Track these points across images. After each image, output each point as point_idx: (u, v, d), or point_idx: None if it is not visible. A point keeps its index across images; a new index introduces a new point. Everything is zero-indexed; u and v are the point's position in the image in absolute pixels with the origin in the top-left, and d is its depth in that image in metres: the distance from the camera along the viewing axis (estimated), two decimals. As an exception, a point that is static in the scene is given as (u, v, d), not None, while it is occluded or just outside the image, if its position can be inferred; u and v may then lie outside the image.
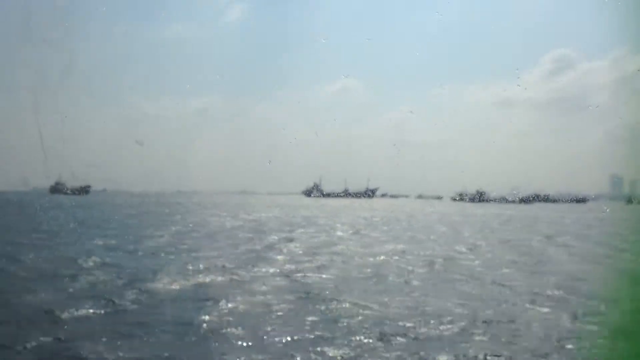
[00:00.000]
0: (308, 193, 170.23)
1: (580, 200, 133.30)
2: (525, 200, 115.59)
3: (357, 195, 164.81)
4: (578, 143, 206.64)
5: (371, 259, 20.89)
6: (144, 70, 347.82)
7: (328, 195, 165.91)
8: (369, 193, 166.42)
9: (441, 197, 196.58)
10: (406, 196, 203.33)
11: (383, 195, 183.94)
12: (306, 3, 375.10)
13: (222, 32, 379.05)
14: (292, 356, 8.99)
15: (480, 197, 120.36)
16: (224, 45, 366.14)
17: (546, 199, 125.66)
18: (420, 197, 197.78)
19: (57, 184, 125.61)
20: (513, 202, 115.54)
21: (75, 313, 11.06)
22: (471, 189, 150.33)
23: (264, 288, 14.41)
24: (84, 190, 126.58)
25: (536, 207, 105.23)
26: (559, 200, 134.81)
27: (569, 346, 9.73)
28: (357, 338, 9.93)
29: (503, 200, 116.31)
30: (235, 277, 15.82)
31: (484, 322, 11.16)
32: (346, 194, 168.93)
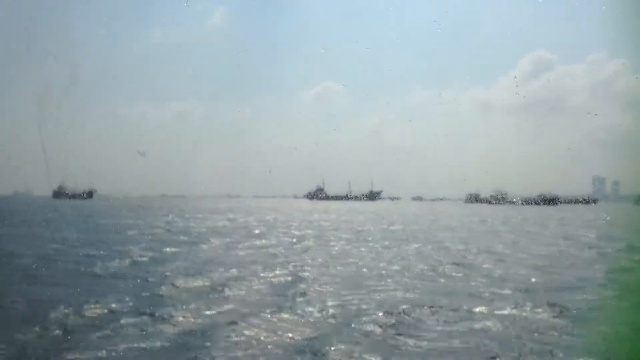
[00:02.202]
0: (311, 196, 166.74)
1: (592, 201, 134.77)
2: (545, 202, 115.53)
3: (361, 197, 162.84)
4: (557, 144, 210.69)
5: None
6: (125, 75, 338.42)
7: (331, 198, 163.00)
8: (374, 195, 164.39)
9: (441, 199, 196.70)
10: (397, 198, 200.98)
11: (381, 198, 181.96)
12: (288, 9, 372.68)
13: (203, 37, 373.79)
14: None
15: (501, 199, 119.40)
16: (205, 50, 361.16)
17: (557, 201, 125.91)
18: (418, 199, 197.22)
19: (60, 188, 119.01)
20: (536, 203, 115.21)
21: None
22: (482, 191, 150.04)
23: None
24: (88, 194, 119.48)
25: (561, 209, 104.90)
26: (570, 201, 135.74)
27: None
28: None
29: (525, 201, 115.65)
30: None
31: None
32: (350, 196, 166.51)
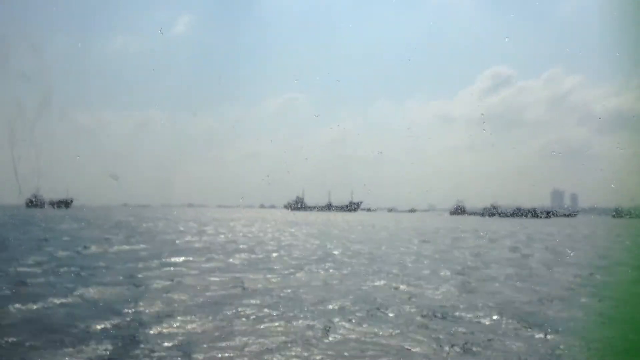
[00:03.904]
0: (292, 207, 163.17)
1: (572, 214, 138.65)
2: (537, 215, 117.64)
3: (341, 208, 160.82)
4: (515, 157, 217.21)
5: None
6: (84, 83, 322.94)
7: (312, 208, 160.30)
8: (353, 206, 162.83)
9: (413, 210, 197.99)
10: (373, 210, 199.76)
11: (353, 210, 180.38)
12: (253, 19, 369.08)
13: (167, 45, 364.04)
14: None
15: (493, 212, 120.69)
16: (168, 59, 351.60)
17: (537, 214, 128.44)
18: (393, 210, 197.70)
19: (34, 197, 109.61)
20: (524, 216, 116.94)
21: None
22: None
23: None
24: (66, 203, 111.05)
25: (557, 222, 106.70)
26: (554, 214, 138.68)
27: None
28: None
29: (516, 213, 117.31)
30: None
31: None
32: (329, 207, 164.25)
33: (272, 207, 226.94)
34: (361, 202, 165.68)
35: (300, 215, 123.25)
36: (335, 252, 26.15)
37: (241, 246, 28.91)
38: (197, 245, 29.14)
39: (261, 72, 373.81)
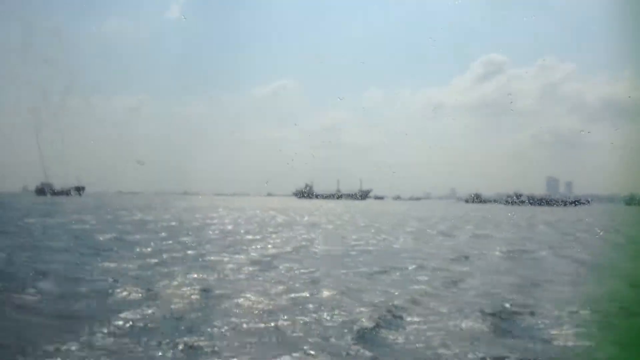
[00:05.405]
0: (299, 194, 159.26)
1: (584, 202, 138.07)
2: (574, 203, 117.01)
3: (351, 196, 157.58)
4: (507, 145, 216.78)
5: None
6: (73, 66, 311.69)
7: (321, 196, 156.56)
8: (362, 194, 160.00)
9: (419, 198, 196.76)
10: (381, 197, 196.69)
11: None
12: (247, 5, 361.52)
13: (159, 30, 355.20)
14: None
15: (516, 200, 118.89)
16: (160, 43, 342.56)
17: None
18: (398, 198, 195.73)
19: (43, 184, 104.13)
20: (548, 204, 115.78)
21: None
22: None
23: None
24: (77, 190, 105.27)
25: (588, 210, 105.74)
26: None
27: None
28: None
29: (544, 202, 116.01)
30: None
31: None
32: (339, 195, 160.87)
33: (269, 195, 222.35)
34: (371, 190, 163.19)
35: (316, 203, 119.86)
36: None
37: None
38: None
39: (253, 58, 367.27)
